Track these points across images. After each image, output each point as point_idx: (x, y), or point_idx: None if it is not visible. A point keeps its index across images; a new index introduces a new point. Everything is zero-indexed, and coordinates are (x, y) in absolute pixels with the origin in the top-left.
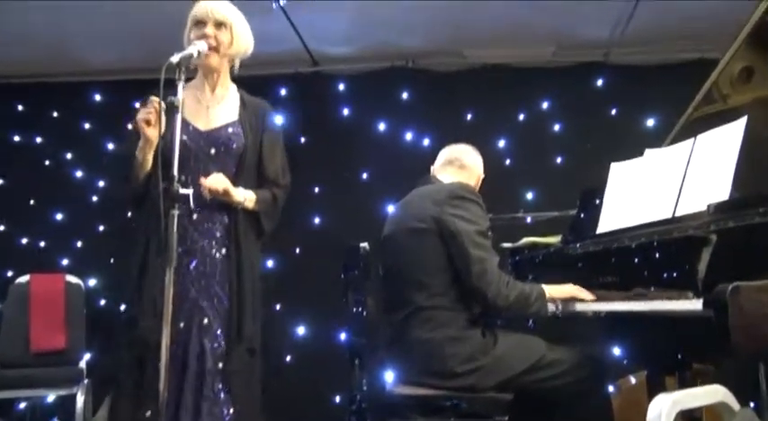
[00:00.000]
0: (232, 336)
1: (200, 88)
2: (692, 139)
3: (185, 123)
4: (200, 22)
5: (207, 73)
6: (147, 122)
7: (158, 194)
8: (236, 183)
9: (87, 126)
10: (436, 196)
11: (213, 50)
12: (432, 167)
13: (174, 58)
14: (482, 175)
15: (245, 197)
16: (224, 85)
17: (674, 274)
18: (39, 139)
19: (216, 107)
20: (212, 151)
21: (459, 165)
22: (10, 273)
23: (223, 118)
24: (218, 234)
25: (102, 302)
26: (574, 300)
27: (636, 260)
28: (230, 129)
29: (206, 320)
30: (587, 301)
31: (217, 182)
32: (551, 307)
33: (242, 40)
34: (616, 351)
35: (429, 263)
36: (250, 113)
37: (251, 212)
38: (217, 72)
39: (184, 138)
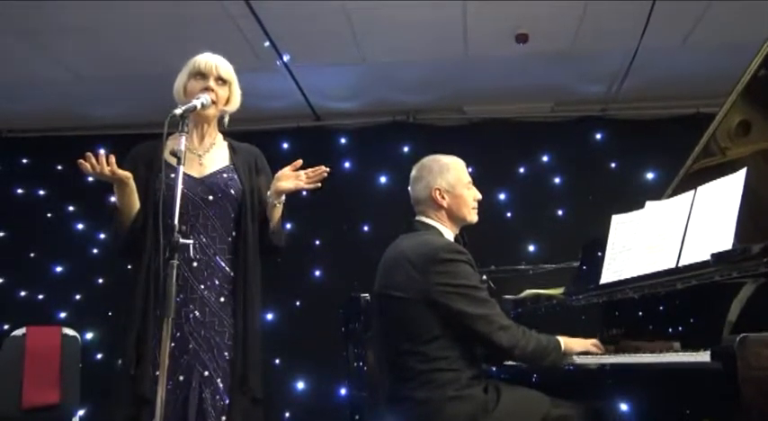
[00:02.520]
0: (234, 388)
1: (189, 138)
2: (693, 191)
3: (184, 175)
4: (201, 75)
5: (199, 123)
6: (100, 173)
7: (158, 245)
8: (239, 227)
9: (90, 179)
10: (417, 260)
11: (213, 104)
12: None
13: (178, 111)
14: (439, 188)
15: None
16: (212, 135)
17: (680, 325)
18: (41, 192)
19: (206, 155)
20: (210, 197)
21: (419, 207)
22: (6, 326)
23: (215, 164)
24: (216, 282)
25: (99, 356)
26: (586, 353)
27: (640, 312)
28: (225, 175)
29: (206, 373)
30: (588, 356)
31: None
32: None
33: (238, 97)
34: (623, 406)
35: (422, 333)
36: (242, 159)
37: (261, 240)
38: (208, 123)
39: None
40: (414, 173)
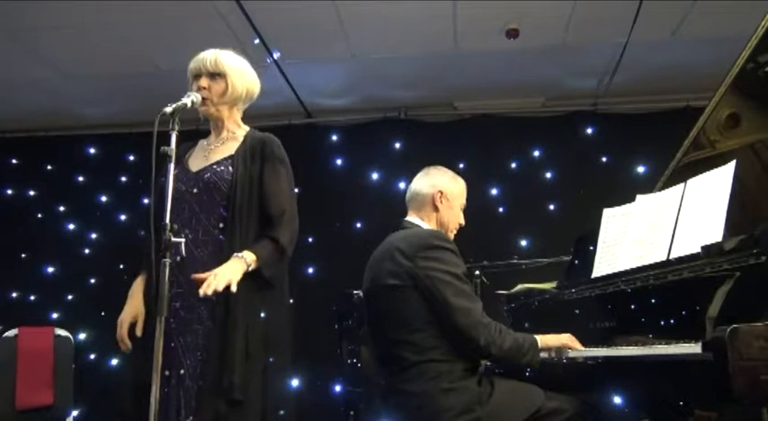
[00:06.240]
0: (205, 389)
1: (210, 136)
2: (683, 184)
3: (183, 168)
4: (196, 76)
5: (212, 121)
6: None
7: (150, 243)
8: (233, 225)
9: (81, 179)
10: (407, 248)
11: (208, 100)
12: None
13: (168, 109)
14: (443, 191)
15: (247, 263)
16: (230, 129)
17: (672, 317)
18: (32, 192)
19: (216, 148)
20: (195, 190)
21: (415, 203)
22: None
23: (218, 156)
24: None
25: (92, 356)
26: (567, 348)
27: (632, 304)
28: (217, 166)
29: (182, 371)
30: (581, 349)
31: (219, 283)
32: (544, 355)
33: (238, 86)
34: (617, 399)
35: (413, 320)
36: (247, 148)
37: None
38: (220, 119)
39: (177, 182)
40: (421, 173)
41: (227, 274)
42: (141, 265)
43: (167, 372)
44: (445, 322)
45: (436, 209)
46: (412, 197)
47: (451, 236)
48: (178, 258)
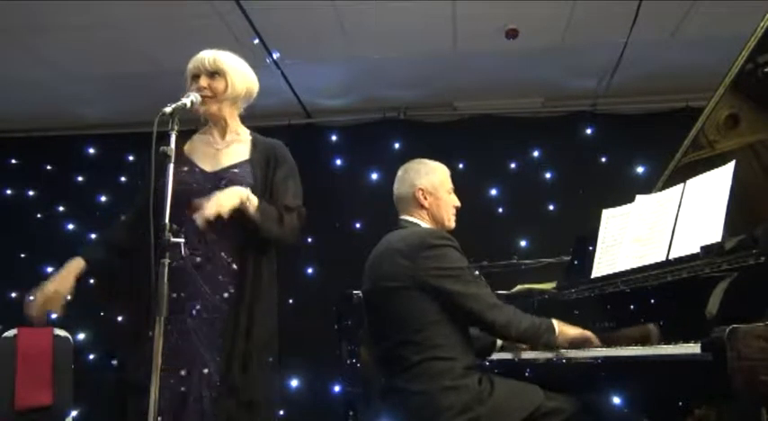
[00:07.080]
0: (223, 389)
1: (212, 135)
2: (683, 184)
3: (193, 167)
4: (195, 76)
5: (214, 121)
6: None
7: (149, 244)
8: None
9: (80, 179)
10: (406, 249)
11: (210, 99)
12: None
13: (168, 109)
14: (423, 188)
15: (248, 196)
16: (234, 130)
17: (671, 318)
18: (31, 193)
19: (225, 150)
20: (217, 192)
21: (402, 205)
22: None
23: (231, 159)
24: (220, 277)
25: (91, 357)
26: (579, 338)
27: (632, 305)
28: (236, 170)
29: (206, 370)
30: (582, 349)
31: (211, 209)
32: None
33: (238, 84)
34: (616, 399)
35: (414, 320)
36: (260, 154)
37: (255, 234)
38: (222, 118)
39: (191, 181)
40: (400, 173)
41: (221, 200)
42: (95, 246)
43: (183, 372)
44: (458, 314)
45: (422, 206)
46: (397, 200)
47: (452, 222)
48: (198, 260)
